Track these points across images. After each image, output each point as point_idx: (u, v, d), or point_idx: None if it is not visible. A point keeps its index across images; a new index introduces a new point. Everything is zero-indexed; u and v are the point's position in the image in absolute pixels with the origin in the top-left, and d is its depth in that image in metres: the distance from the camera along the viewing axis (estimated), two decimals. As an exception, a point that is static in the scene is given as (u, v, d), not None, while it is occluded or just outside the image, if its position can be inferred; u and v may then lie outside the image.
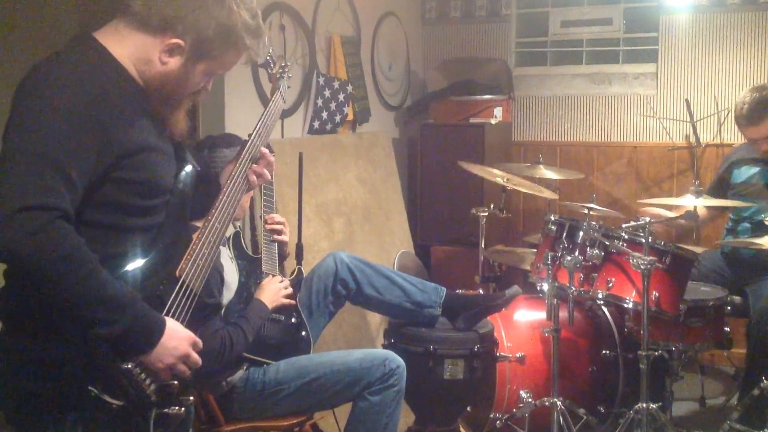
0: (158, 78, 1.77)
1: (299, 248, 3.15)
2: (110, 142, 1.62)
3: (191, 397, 1.81)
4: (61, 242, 1.52)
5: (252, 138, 2.02)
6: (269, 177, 2.07)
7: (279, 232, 2.93)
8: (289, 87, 2.38)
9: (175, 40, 1.74)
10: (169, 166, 1.81)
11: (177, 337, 1.70)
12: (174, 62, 1.76)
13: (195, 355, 1.75)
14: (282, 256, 2.97)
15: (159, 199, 1.77)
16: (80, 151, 1.57)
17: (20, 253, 1.50)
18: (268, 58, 2.36)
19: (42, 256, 1.51)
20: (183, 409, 1.77)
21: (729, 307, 3.44)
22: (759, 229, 3.23)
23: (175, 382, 1.73)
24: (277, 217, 2.95)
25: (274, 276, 2.86)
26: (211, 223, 1.84)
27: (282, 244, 2.95)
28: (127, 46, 1.73)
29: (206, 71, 1.82)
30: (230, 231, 2.85)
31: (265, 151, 2.04)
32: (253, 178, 2.01)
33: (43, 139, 1.54)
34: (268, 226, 2.91)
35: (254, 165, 2.01)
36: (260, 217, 2.96)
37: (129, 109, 1.69)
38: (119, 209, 1.69)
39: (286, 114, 4.08)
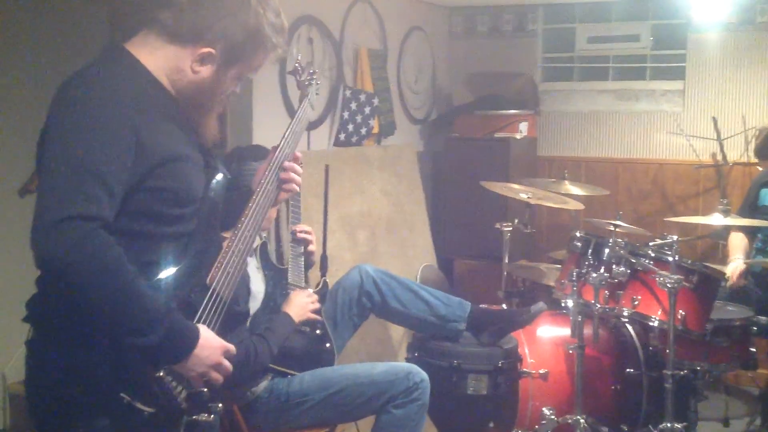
0: (191, 87, 1.78)
1: (324, 260, 3.17)
2: (144, 151, 1.64)
3: (220, 404, 1.81)
4: (102, 253, 1.53)
5: (281, 146, 2.03)
6: (297, 187, 2.08)
7: (308, 242, 2.94)
8: (317, 94, 2.37)
9: (206, 50, 1.75)
10: (200, 174, 1.82)
11: (210, 346, 1.70)
12: (206, 70, 1.78)
13: (227, 363, 1.75)
14: (308, 265, 2.98)
15: (190, 207, 1.78)
16: (118, 161, 1.59)
17: (62, 263, 1.51)
18: (296, 65, 2.35)
19: (83, 267, 1.52)
20: (213, 416, 1.77)
21: (755, 328, 3.41)
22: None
23: (206, 390, 1.74)
24: (305, 227, 2.96)
25: (300, 287, 2.87)
26: (240, 231, 1.85)
27: (309, 253, 2.97)
28: (158, 58, 1.75)
29: (237, 75, 1.84)
30: (257, 241, 2.86)
31: (292, 163, 2.04)
32: (283, 188, 2.02)
33: (82, 149, 1.56)
34: (298, 235, 2.92)
35: (282, 174, 2.02)
36: (287, 227, 2.97)
37: (162, 119, 1.71)
38: (151, 217, 1.70)
39: (312, 126, 4.10)
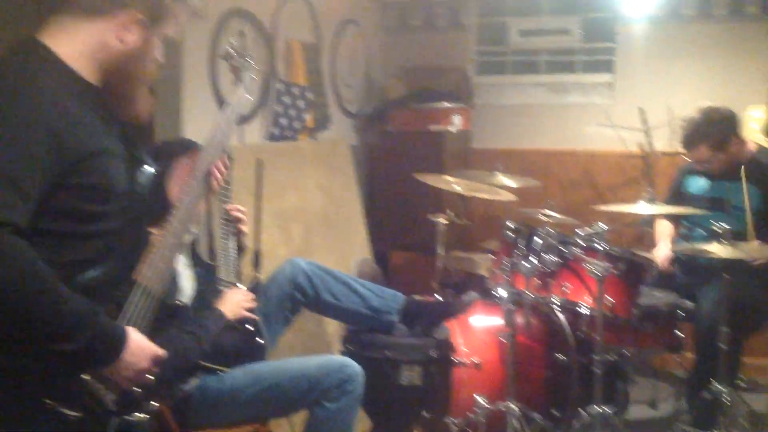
0: (120, 60, 1.73)
1: (257, 255, 3.14)
2: (62, 148, 1.59)
3: (155, 404, 1.79)
4: (15, 258, 1.49)
5: (214, 134, 2.01)
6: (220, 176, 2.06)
7: (240, 220, 2.89)
8: (254, 78, 2.31)
9: (128, 15, 1.71)
10: (123, 168, 1.77)
11: (139, 353, 1.68)
12: (133, 37, 1.73)
13: (154, 370, 1.73)
14: (241, 248, 2.95)
15: (114, 203, 1.73)
16: (31, 163, 1.54)
17: None
18: (229, 49, 2.30)
19: None
20: (145, 415, 1.75)
21: (681, 312, 3.51)
22: (712, 236, 3.30)
23: (138, 389, 1.72)
24: (238, 207, 2.92)
25: (231, 283, 2.84)
26: (172, 224, 1.83)
27: (240, 233, 2.92)
28: (77, 41, 1.69)
29: (163, 35, 1.80)
30: (186, 238, 2.83)
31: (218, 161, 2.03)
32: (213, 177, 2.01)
33: None
34: (232, 212, 2.87)
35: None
36: (218, 224, 2.94)
37: (79, 113, 1.66)
38: (75, 216, 1.66)
39: (245, 120, 4.07)
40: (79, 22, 1.70)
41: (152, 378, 1.73)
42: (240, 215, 2.89)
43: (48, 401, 1.58)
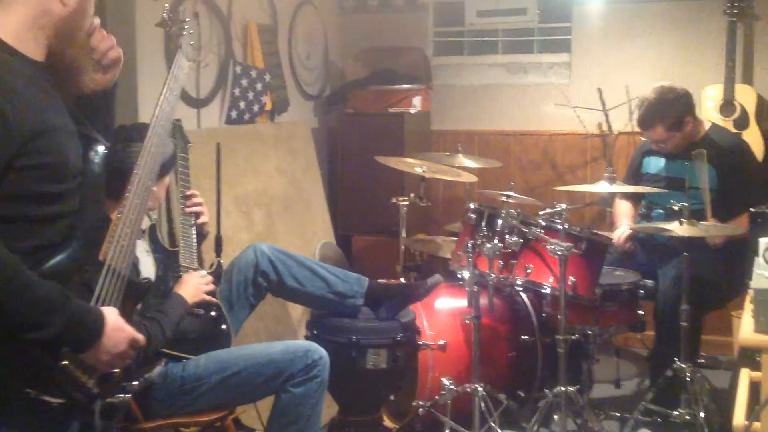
0: (64, 25, 1.69)
1: (218, 240, 3.10)
2: (9, 129, 1.54)
3: (135, 382, 1.78)
4: None
5: (160, 104, 1.98)
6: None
7: (199, 213, 2.86)
8: (192, 43, 2.28)
9: None
10: (74, 144, 1.72)
11: (116, 336, 1.65)
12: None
13: (132, 354, 1.70)
14: (201, 236, 2.91)
15: (70, 181, 1.69)
16: None
17: None
18: (164, 15, 2.25)
19: None
20: (129, 395, 1.75)
21: (642, 291, 3.55)
22: (670, 215, 3.34)
23: (117, 371, 1.70)
24: (195, 192, 2.87)
25: (192, 269, 2.80)
26: (129, 200, 1.80)
27: (200, 225, 2.89)
28: (17, 13, 1.64)
29: None
30: (146, 223, 2.77)
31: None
32: None
33: None
34: (187, 208, 2.84)
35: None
36: (178, 208, 2.88)
37: (25, 89, 1.61)
38: (30, 199, 1.61)
39: (202, 104, 4.00)
40: None
41: (130, 361, 1.71)
42: (199, 206, 2.85)
43: (29, 390, 1.55)
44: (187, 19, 2.29)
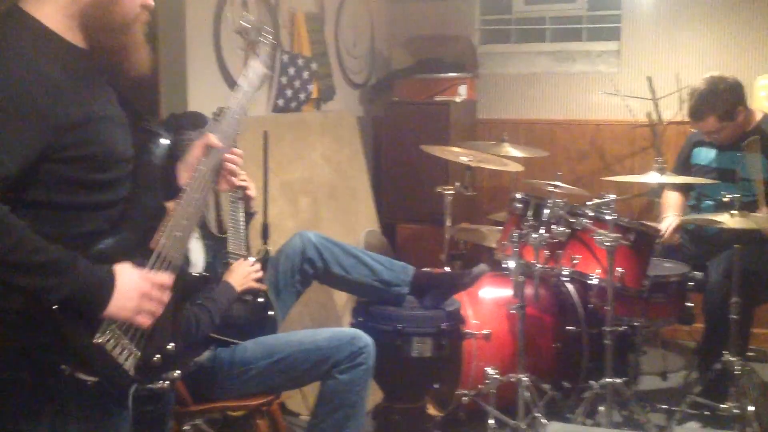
0: (92, 10, 1.67)
1: (265, 227, 3.13)
2: (43, 120, 1.55)
3: (176, 372, 1.76)
4: None
5: (231, 106, 1.98)
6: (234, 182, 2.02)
7: (245, 187, 2.86)
8: (270, 52, 2.29)
9: None
10: (123, 132, 1.73)
11: (130, 279, 1.63)
12: None
13: (156, 291, 1.67)
14: (249, 214, 2.93)
15: (117, 170, 1.71)
16: (11, 133, 1.51)
17: None
18: (243, 23, 2.27)
19: None
20: (168, 383, 1.73)
21: (691, 283, 3.49)
22: (721, 206, 3.28)
23: (158, 356, 1.70)
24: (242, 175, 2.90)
25: (241, 255, 2.83)
26: (188, 193, 1.81)
27: (248, 198, 2.89)
28: (50, 2, 1.64)
29: None
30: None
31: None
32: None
33: None
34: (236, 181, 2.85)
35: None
36: (226, 196, 2.91)
37: (67, 81, 1.61)
38: (79, 186, 1.63)
39: (250, 92, 4.03)
40: None
41: (159, 308, 1.67)
42: (245, 182, 2.86)
43: (65, 367, 1.57)
44: (266, 27, 2.29)
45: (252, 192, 2.88)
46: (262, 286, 2.83)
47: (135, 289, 1.63)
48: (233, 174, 1.98)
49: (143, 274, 1.66)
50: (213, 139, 1.93)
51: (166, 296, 1.70)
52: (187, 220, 1.79)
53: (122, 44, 1.73)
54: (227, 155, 1.95)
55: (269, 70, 2.24)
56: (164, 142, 1.82)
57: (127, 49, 1.74)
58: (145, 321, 1.65)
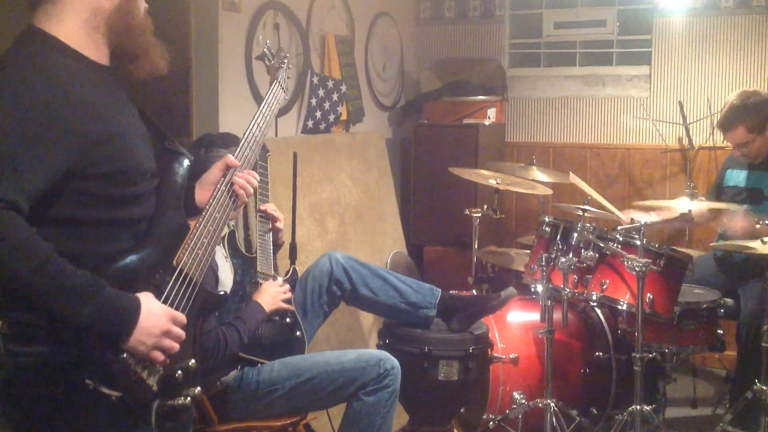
0: (116, 19, 1.71)
1: (293, 248, 3.14)
2: (75, 134, 1.58)
3: (197, 389, 1.77)
4: (7, 234, 1.47)
5: (251, 127, 2.03)
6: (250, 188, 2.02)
7: (275, 218, 2.89)
8: (289, 78, 2.36)
9: None
10: (146, 148, 1.76)
11: (154, 315, 1.64)
12: None
13: (177, 330, 1.69)
14: (276, 245, 2.95)
15: (143, 185, 1.74)
16: (37, 145, 1.53)
17: None
18: (265, 50, 2.34)
19: None
20: (189, 399, 1.73)
21: (722, 310, 3.45)
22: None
23: (179, 373, 1.71)
24: (272, 207, 2.93)
25: (269, 275, 2.84)
26: (209, 212, 1.83)
27: (276, 230, 2.92)
28: (70, 17, 1.68)
29: None
30: (225, 230, 2.83)
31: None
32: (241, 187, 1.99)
33: None
34: (268, 210, 2.88)
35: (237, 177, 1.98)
36: (255, 216, 2.94)
37: (93, 97, 1.64)
38: (105, 201, 1.66)
39: (280, 113, 4.07)
40: (61, 1, 1.68)
41: (175, 346, 1.68)
42: (276, 214, 2.89)
43: (89, 381, 1.58)
44: (287, 55, 2.36)
45: (280, 225, 2.91)
46: (291, 307, 2.84)
47: (157, 326, 1.64)
48: (245, 191, 1.98)
49: (166, 310, 1.68)
50: (231, 159, 1.96)
51: (183, 335, 1.71)
52: (207, 238, 1.80)
53: (143, 46, 1.78)
54: (238, 174, 1.97)
55: (287, 94, 2.32)
56: (186, 161, 1.84)
57: (147, 50, 1.79)
58: (159, 358, 1.66)
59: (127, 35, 1.75)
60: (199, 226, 1.80)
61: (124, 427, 1.67)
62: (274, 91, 2.19)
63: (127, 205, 1.70)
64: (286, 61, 2.35)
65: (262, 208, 2.90)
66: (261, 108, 2.09)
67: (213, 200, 1.86)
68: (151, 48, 1.79)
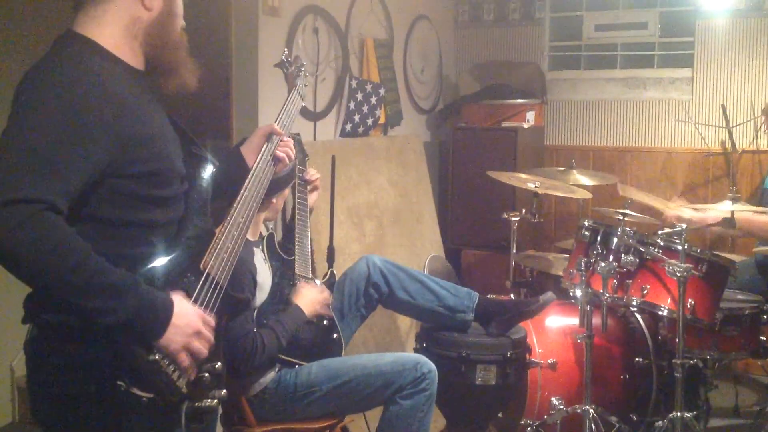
0: (154, 29, 1.75)
1: (331, 251, 3.16)
2: (115, 134, 1.60)
3: (224, 391, 1.78)
4: (47, 234, 1.49)
5: (271, 136, 2.09)
6: (288, 161, 2.14)
7: (315, 186, 3.03)
8: (306, 86, 2.43)
9: None
10: (177, 150, 1.79)
11: (186, 314, 1.66)
12: (158, 1, 1.75)
13: (207, 332, 1.71)
14: (310, 210, 3.03)
15: (176, 187, 1.77)
16: (76, 146, 1.55)
17: (4, 247, 1.47)
18: (283, 59, 2.38)
19: (26, 250, 1.47)
20: (216, 401, 1.75)
21: (765, 316, 3.38)
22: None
23: (207, 375, 1.73)
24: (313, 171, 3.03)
25: (306, 277, 2.86)
26: (233, 217, 1.85)
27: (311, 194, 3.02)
28: (109, 24, 1.71)
29: None
30: (264, 232, 2.86)
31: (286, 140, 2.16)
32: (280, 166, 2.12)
33: (35, 135, 1.52)
34: (308, 176, 2.97)
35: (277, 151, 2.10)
36: (293, 218, 2.96)
37: (131, 99, 1.67)
38: (140, 202, 1.69)
39: (318, 117, 4.09)
40: (103, 6, 1.71)
41: (204, 349, 1.70)
42: (314, 178, 3.02)
43: (121, 383, 1.60)
44: (304, 63, 2.44)
45: (316, 194, 3.08)
46: (329, 312, 2.86)
47: (189, 325, 1.66)
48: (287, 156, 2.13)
49: (198, 311, 1.70)
50: (276, 126, 2.11)
51: (212, 338, 1.73)
52: (232, 243, 1.82)
53: (175, 62, 1.81)
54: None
55: (303, 101, 2.39)
56: (210, 167, 1.88)
57: (179, 66, 1.82)
58: (186, 360, 1.67)
59: (161, 49, 1.78)
60: (224, 230, 1.82)
61: (154, 428, 1.69)
62: (292, 98, 2.25)
63: (160, 207, 1.73)
64: (303, 69, 2.41)
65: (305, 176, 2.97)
66: (279, 116, 2.14)
67: (237, 205, 1.88)
68: (182, 65, 1.82)
